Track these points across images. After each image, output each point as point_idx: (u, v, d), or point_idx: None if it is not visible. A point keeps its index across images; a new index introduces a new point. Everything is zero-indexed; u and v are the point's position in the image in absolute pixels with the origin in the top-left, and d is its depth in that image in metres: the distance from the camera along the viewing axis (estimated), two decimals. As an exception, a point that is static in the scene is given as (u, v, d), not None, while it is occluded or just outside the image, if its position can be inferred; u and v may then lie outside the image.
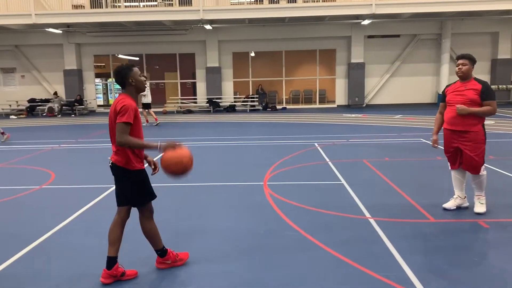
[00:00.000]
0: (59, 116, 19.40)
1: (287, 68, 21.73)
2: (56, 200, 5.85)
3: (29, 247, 4.11)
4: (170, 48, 21.13)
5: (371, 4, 16.88)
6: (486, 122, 4.84)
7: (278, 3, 18.67)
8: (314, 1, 18.35)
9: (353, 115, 16.62)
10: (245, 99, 20.95)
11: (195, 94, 21.89)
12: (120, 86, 3.39)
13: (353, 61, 20.52)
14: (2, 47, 20.97)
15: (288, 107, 21.63)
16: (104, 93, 25.34)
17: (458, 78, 4.76)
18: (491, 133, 8.46)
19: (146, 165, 3.52)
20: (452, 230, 4.34)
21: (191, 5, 18.31)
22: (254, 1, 19.15)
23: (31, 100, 20.74)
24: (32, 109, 20.31)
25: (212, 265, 3.67)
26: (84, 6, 18.92)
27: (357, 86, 20.66)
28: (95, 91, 22.32)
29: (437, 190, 5.75)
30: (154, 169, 3.52)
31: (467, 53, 4.72)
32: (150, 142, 3.27)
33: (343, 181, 6.39)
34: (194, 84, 22.12)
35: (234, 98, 21.37)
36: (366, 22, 18.83)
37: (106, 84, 25.47)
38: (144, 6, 19.51)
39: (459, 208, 4.94)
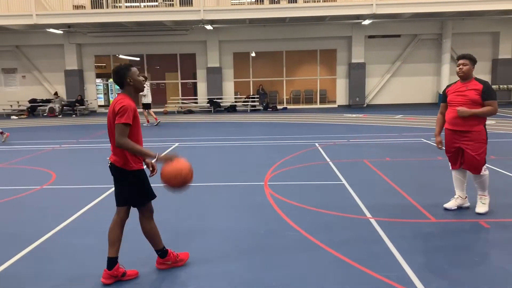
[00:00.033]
0: (60, 116, 19.40)
1: (288, 68, 21.73)
2: (57, 200, 5.86)
3: (30, 247, 4.11)
4: (170, 49, 21.13)
5: (372, 4, 16.86)
6: (487, 122, 4.84)
7: (279, 3, 18.67)
8: (314, 1, 18.33)
9: (353, 115, 16.61)
10: (246, 99, 20.94)
11: (195, 94, 21.90)
12: (118, 86, 3.38)
13: (353, 61, 20.52)
14: (3, 48, 20.99)
15: (288, 107, 21.62)
16: (105, 94, 25.38)
17: (458, 78, 4.76)
18: (492, 133, 8.45)
19: (145, 166, 3.52)
20: (453, 230, 4.34)
21: (192, 6, 18.30)
22: (255, 1, 19.15)
23: (32, 101, 20.75)
24: (33, 109, 20.33)
25: (212, 265, 3.68)
26: (85, 7, 18.92)
27: (357, 86, 20.65)
28: (96, 92, 22.33)
29: (438, 190, 5.75)
30: (152, 171, 3.51)
31: (467, 53, 4.72)
32: (149, 150, 3.25)
33: (344, 181, 6.39)
34: (194, 84, 22.14)
35: (235, 98, 21.38)
36: (366, 22, 18.82)
37: (107, 84, 25.54)
38: (144, 6, 19.50)
39: (460, 208, 4.94)
